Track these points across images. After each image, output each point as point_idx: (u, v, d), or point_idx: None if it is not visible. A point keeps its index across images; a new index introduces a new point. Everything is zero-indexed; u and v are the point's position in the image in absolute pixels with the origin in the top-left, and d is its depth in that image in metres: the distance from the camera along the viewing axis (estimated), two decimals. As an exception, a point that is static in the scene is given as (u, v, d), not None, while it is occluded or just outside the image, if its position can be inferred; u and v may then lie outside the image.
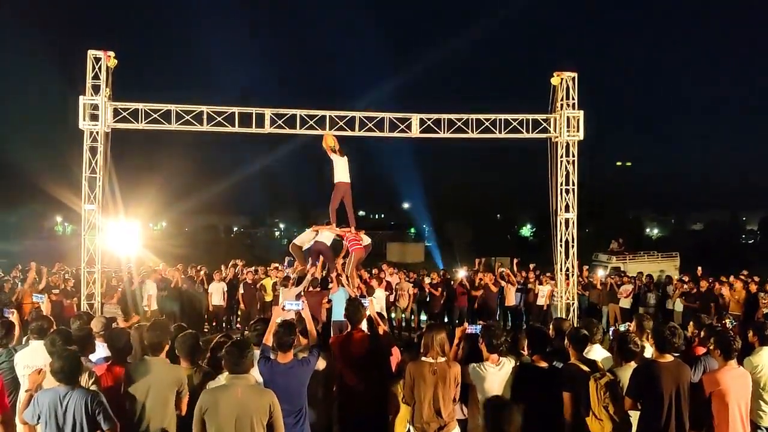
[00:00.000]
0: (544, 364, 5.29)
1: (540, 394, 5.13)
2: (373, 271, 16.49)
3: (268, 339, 5.27)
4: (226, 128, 12.13)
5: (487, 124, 12.71)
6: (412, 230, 74.94)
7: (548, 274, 16.19)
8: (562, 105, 12.64)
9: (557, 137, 12.76)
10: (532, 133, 12.84)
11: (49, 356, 5.05)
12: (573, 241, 12.89)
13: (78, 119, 11.67)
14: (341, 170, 10.19)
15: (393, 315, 15.10)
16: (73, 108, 11.77)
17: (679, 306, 14.51)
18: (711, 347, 5.44)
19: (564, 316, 12.38)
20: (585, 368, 5.16)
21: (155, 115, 11.93)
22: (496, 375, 5.21)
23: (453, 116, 12.68)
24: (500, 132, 12.73)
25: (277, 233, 79.09)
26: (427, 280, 16.16)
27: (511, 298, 15.49)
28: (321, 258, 10.56)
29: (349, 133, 12.20)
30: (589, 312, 15.31)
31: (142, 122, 11.92)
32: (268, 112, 12.17)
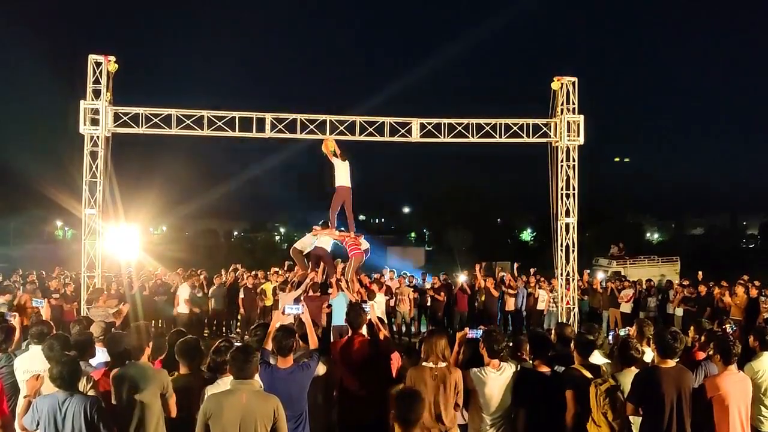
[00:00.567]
0: (545, 369, 5.28)
1: (541, 400, 5.12)
2: (374, 276, 16.47)
3: (268, 343, 5.26)
4: (227, 132, 12.15)
5: (487, 128, 12.73)
6: (413, 234, 74.95)
7: (542, 279, 16.19)
8: (562, 110, 12.66)
9: (558, 142, 12.77)
10: (532, 137, 12.86)
11: (48, 361, 5.05)
12: (573, 246, 12.89)
13: (78, 124, 11.69)
14: (342, 175, 10.20)
15: (393, 320, 15.07)
16: (73, 112, 11.82)
17: (679, 311, 14.49)
18: (711, 352, 5.43)
19: (564, 321, 12.36)
20: (587, 373, 5.15)
21: (156, 120, 11.96)
22: (497, 380, 5.19)
23: (453, 121, 12.70)
24: (501, 137, 12.75)
25: (277, 238, 79.00)
26: (427, 285, 16.14)
27: (511, 302, 15.47)
28: (321, 263, 10.55)
29: (349, 137, 12.21)
30: (589, 317, 15.30)
31: (142, 126, 11.95)
32: (268, 117, 12.19)
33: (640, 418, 4.93)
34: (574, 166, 12.77)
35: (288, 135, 12.31)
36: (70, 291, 13.77)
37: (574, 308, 13.13)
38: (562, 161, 12.79)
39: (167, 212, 57.50)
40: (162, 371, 5.07)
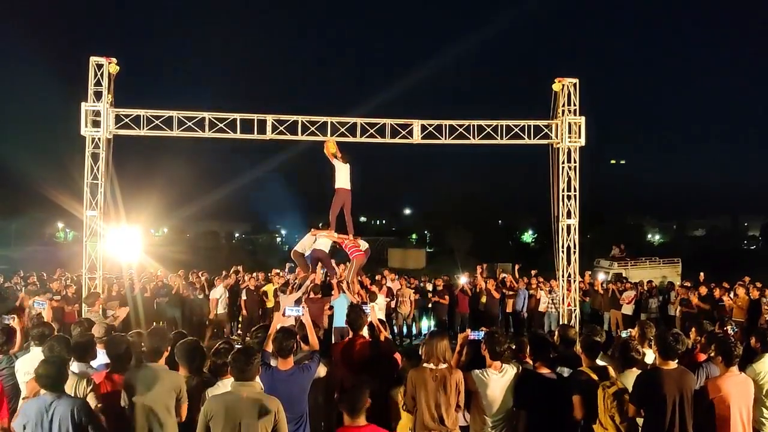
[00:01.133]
0: (546, 371, 5.27)
1: (543, 401, 5.11)
2: (376, 278, 16.46)
3: (268, 345, 5.26)
4: (228, 134, 12.14)
5: (488, 130, 12.72)
6: (414, 236, 74.95)
7: (542, 280, 16.18)
8: (563, 111, 12.65)
9: (559, 143, 12.76)
10: (533, 139, 12.84)
11: None
12: (575, 247, 12.87)
13: (80, 125, 11.69)
14: (342, 177, 10.20)
15: (394, 321, 15.06)
16: (74, 114, 11.80)
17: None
18: (713, 354, 5.42)
19: (566, 323, 12.35)
20: (594, 376, 5.15)
21: (157, 122, 11.95)
22: (498, 382, 5.19)
23: (454, 122, 12.69)
24: (502, 138, 12.73)
25: (278, 239, 79.04)
26: (428, 287, 16.12)
27: (511, 304, 15.47)
28: (320, 265, 10.54)
29: (350, 139, 12.21)
30: (590, 318, 15.29)
31: (143, 128, 11.94)
32: (269, 119, 12.19)
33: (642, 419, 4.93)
34: (575, 167, 12.75)
35: (289, 137, 12.30)
36: (71, 293, 13.78)
37: (575, 310, 13.12)
38: (563, 162, 12.77)
39: (168, 214, 57.51)
40: (178, 375, 5.07)
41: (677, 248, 49.56)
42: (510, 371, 5.25)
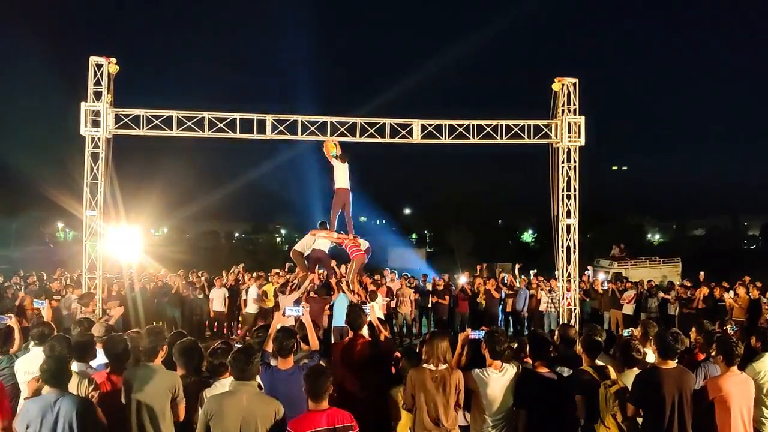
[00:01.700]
0: (545, 371, 5.27)
1: (543, 401, 5.11)
2: (375, 277, 16.46)
3: (268, 345, 5.26)
4: (228, 134, 12.15)
5: (488, 129, 12.72)
6: (414, 236, 74.93)
7: (542, 280, 16.17)
8: (563, 111, 12.65)
9: (558, 143, 12.76)
10: (533, 138, 12.85)
11: None
12: (574, 247, 12.87)
13: (79, 125, 11.69)
14: (341, 177, 10.18)
15: (394, 321, 15.07)
16: (74, 114, 11.81)
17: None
18: (713, 353, 5.42)
19: (566, 323, 12.35)
20: (596, 375, 5.15)
21: (157, 121, 11.96)
22: (498, 381, 5.19)
23: (454, 122, 12.69)
24: (501, 138, 12.73)
25: (278, 239, 79.04)
26: (428, 286, 16.12)
27: (512, 303, 15.47)
28: (319, 265, 10.53)
29: (350, 139, 12.21)
30: (590, 318, 15.29)
31: (143, 128, 11.95)
32: (269, 118, 12.19)
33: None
34: (575, 167, 12.75)
35: (289, 136, 12.31)
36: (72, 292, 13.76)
37: (575, 309, 13.12)
38: (562, 162, 12.77)
39: (168, 214, 57.53)
40: (174, 374, 5.07)
41: (677, 248, 49.57)
42: (510, 370, 5.25)
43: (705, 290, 14.23)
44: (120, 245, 12.69)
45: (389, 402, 5.83)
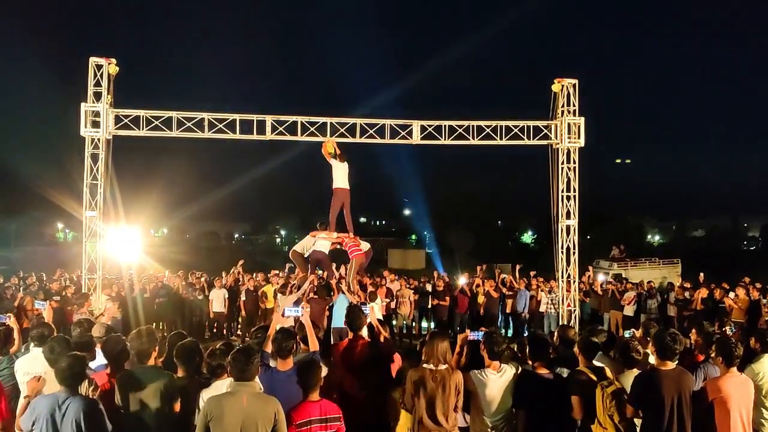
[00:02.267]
0: (545, 372, 5.27)
1: (542, 402, 5.11)
2: (375, 279, 16.45)
3: (267, 346, 5.25)
4: (227, 135, 12.16)
5: (488, 130, 12.73)
6: (413, 237, 74.92)
7: (542, 281, 16.15)
8: (563, 111, 12.66)
9: (558, 144, 12.77)
10: (533, 139, 12.86)
11: (48, 363, 5.03)
12: (574, 248, 12.87)
13: (79, 126, 11.70)
14: (340, 176, 10.12)
15: (394, 322, 15.06)
16: (74, 115, 11.84)
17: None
18: (713, 354, 5.41)
19: (566, 324, 12.34)
20: (593, 376, 5.14)
21: (156, 122, 11.98)
22: (497, 382, 5.19)
23: (454, 123, 12.70)
24: (501, 139, 12.74)
25: (278, 240, 79.09)
26: (428, 287, 16.10)
27: (511, 304, 15.46)
28: (320, 266, 10.52)
29: (350, 139, 12.21)
30: (590, 319, 15.28)
31: (143, 129, 11.96)
32: (269, 119, 12.20)
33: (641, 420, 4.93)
34: (574, 168, 12.76)
35: (288, 137, 12.31)
36: (71, 293, 13.76)
37: (575, 310, 13.12)
38: (562, 163, 12.78)
39: (168, 214, 57.59)
40: (167, 375, 5.07)
41: (677, 249, 49.59)
42: (509, 371, 5.25)
43: (705, 291, 14.21)
44: (120, 246, 12.69)
45: (389, 402, 5.83)
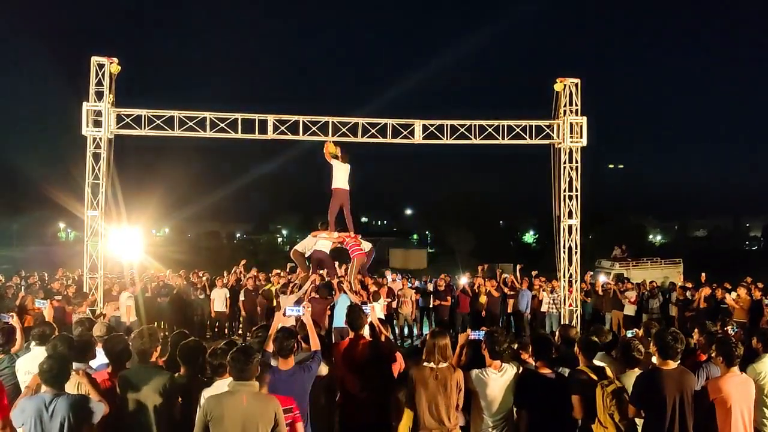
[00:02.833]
0: (547, 371, 5.26)
1: (543, 401, 5.11)
2: (378, 279, 16.43)
3: (269, 345, 5.25)
4: (229, 134, 12.15)
5: (489, 130, 12.72)
6: (415, 236, 74.97)
7: (543, 280, 16.14)
8: (565, 111, 12.64)
9: (560, 143, 12.75)
10: (535, 139, 12.84)
11: None
12: (576, 248, 12.86)
13: (81, 125, 11.71)
14: (341, 177, 10.08)
15: (395, 322, 15.04)
16: (76, 114, 11.83)
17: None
18: (713, 354, 5.40)
19: (567, 323, 12.33)
20: (593, 375, 5.13)
21: (158, 122, 11.97)
22: (498, 381, 5.18)
23: (456, 122, 12.69)
24: (503, 138, 12.73)
25: (279, 239, 79.09)
26: (429, 287, 16.09)
27: (512, 304, 15.44)
28: (321, 266, 10.50)
29: (351, 139, 12.21)
30: (592, 319, 15.25)
31: (145, 128, 11.96)
32: (271, 119, 12.19)
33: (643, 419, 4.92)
34: (576, 167, 12.74)
35: (290, 137, 12.31)
36: (72, 292, 13.77)
37: (577, 310, 13.10)
38: (564, 163, 12.76)
39: (169, 214, 57.69)
40: (167, 374, 5.07)
41: (679, 249, 49.53)
42: (510, 371, 5.24)
43: (707, 290, 14.19)
44: (121, 245, 12.69)
45: (393, 403, 5.82)
